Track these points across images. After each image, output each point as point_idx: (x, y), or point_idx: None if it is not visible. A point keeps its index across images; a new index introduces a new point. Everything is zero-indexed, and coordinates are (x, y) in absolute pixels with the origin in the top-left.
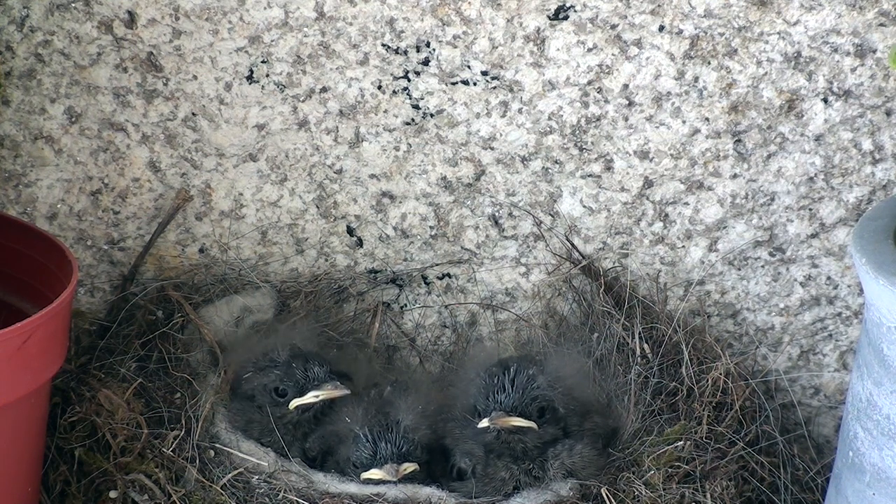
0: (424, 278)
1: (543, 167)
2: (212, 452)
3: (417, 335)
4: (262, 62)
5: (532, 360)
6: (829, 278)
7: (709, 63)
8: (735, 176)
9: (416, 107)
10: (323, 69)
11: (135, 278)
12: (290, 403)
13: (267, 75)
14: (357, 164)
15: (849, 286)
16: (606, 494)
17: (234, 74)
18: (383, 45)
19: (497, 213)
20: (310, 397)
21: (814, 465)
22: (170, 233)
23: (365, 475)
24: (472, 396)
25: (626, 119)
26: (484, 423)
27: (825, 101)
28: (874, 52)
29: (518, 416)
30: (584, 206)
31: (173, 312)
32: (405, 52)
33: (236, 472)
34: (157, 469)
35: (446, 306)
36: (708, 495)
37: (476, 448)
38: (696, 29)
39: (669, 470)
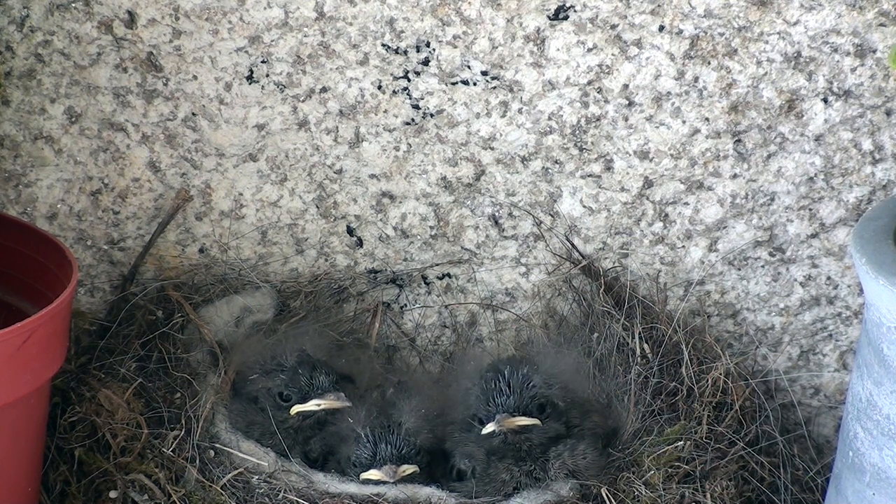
0: (424, 278)
1: (543, 167)
2: (212, 452)
3: (417, 335)
4: (262, 62)
5: (524, 359)
6: (829, 278)
7: (709, 63)
8: (735, 176)
9: (416, 107)
10: (323, 69)
11: (135, 278)
12: (292, 409)
13: (267, 75)
14: (357, 164)
15: (849, 286)
16: (606, 494)
17: (234, 74)
18: (383, 45)
19: (497, 213)
20: (311, 405)
21: (814, 465)
22: (170, 233)
23: (364, 475)
24: (472, 406)
25: (626, 119)
26: (490, 427)
27: (825, 101)
28: (874, 52)
29: (521, 415)
30: (584, 206)
31: (173, 312)
32: (405, 52)
33: (236, 472)
34: (157, 469)
35: (446, 306)
36: (708, 495)
37: (476, 451)
38: (696, 29)
39: (669, 470)
